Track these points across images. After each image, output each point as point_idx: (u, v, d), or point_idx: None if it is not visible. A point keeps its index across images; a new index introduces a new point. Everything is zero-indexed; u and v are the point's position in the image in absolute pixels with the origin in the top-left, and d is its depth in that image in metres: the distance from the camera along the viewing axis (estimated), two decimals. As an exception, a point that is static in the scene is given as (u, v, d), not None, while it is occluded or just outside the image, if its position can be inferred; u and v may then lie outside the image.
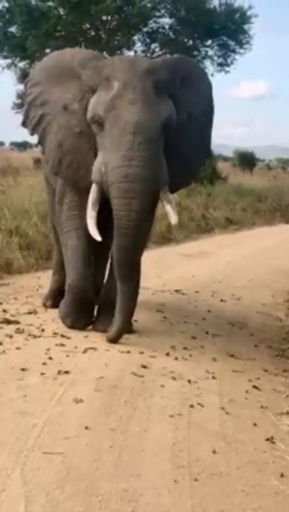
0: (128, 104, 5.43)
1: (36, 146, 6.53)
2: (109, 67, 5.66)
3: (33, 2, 22.27)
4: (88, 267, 6.20)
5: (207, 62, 24.67)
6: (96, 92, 5.65)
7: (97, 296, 6.32)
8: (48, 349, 5.42)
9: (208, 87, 6.40)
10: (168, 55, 24.52)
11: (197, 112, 6.14)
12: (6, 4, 22.62)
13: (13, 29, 23.20)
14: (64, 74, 5.94)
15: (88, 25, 23.32)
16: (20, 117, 6.34)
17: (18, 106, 23.80)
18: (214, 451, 3.99)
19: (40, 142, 6.21)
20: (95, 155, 5.72)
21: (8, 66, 23.86)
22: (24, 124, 6.33)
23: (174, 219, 5.73)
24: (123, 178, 5.38)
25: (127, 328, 5.96)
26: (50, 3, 22.36)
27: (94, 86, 5.68)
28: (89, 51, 6.35)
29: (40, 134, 6.12)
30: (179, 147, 5.91)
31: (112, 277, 6.01)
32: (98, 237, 5.60)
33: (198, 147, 6.27)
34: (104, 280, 6.51)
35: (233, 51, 24.48)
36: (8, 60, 23.90)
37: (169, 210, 5.71)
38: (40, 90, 6.11)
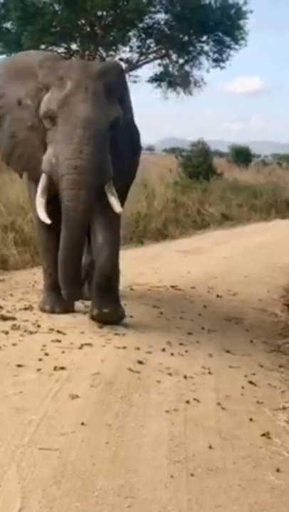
0: (80, 102, 5.84)
1: None
2: (64, 68, 6.08)
3: (28, -2, 22.20)
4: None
5: (202, 58, 24.62)
6: (49, 90, 6.01)
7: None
8: (44, 345, 5.42)
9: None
10: (163, 51, 24.53)
11: (129, 115, 6.62)
12: (1, 0, 22.57)
13: (8, 25, 23.13)
14: (23, 72, 6.34)
15: (83, 21, 23.22)
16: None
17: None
18: (210, 447, 4.00)
19: None
20: (44, 149, 6.07)
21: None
22: None
23: (117, 208, 6.10)
24: (72, 170, 5.74)
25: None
26: (46, -1, 22.32)
27: (48, 84, 6.05)
28: (49, 53, 6.82)
29: None
30: (117, 147, 6.20)
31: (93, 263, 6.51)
32: (48, 221, 5.99)
33: (129, 147, 6.64)
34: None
35: (229, 47, 24.39)
36: (3, 56, 23.85)
37: (112, 201, 6.08)
38: None
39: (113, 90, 6.10)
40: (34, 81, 6.19)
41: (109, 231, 6.36)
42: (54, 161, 5.89)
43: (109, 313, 6.25)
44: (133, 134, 6.80)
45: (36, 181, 6.19)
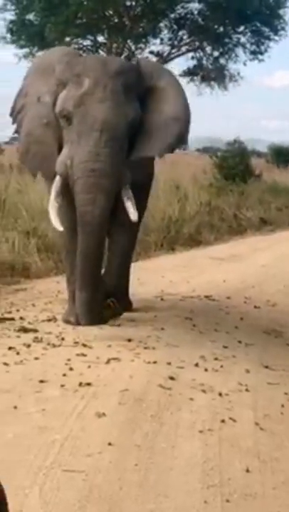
0: (97, 102, 6.00)
1: (13, 133, 7.02)
2: (81, 64, 6.26)
3: (52, -13, 22.35)
4: None
5: (239, 50, 24.66)
6: (66, 86, 6.17)
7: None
8: (69, 359, 5.44)
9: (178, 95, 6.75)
10: (197, 43, 24.55)
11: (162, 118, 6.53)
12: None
13: (31, 16, 23.34)
14: (46, 69, 6.54)
15: (111, 12, 23.36)
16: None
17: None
18: (248, 470, 3.97)
19: (17, 131, 6.79)
20: (60, 147, 6.23)
21: (26, 56, 23.98)
22: (12, 113, 6.88)
23: (133, 216, 6.19)
24: (89, 173, 5.92)
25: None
26: (71, -12, 22.44)
27: (65, 80, 6.22)
28: (71, 49, 7.01)
29: (18, 123, 6.72)
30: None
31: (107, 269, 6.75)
32: (60, 228, 6.20)
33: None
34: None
35: (268, 38, 24.39)
36: (26, 50, 24.03)
37: (128, 207, 6.18)
38: (26, 83, 6.76)
39: (132, 88, 6.23)
40: (54, 77, 6.36)
41: (123, 237, 6.65)
42: (69, 163, 6.05)
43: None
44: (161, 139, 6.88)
45: (52, 181, 6.33)
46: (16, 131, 6.83)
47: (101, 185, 5.93)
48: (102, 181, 5.93)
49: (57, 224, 6.19)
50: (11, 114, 6.87)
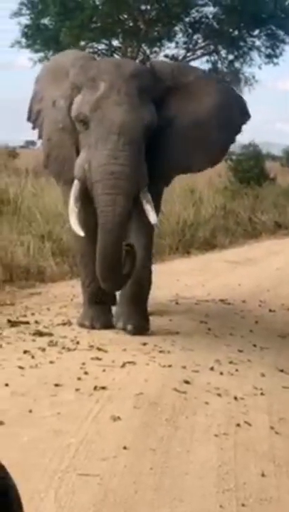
0: (114, 105, 6.03)
1: (38, 139, 7.06)
2: (95, 68, 6.30)
3: (67, -9, 22.42)
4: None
5: (254, 54, 24.62)
6: (81, 91, 6.20)
7: None
8: (84, 363, 5.44)
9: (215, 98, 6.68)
10: (212, 47, 24.54)
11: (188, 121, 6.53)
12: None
13: (46, 21, 23.41)
14: (59, 72, 6.59)
15: (126, 16, 23.39)
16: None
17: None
18: (263, 474, 3.96)
19: (40, 136, 6.86)
20: (77, 151, 6.27)
21: (41, 60, 24.03)
22: (29, 118, 6.96)
23: (152, 218, 6.26)
24: (108, 175, 5.94)
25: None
26: (85, -7, 22.51)
27: (79, 85, 6.25)
28: (84, 53, 7.07)
29: (39, 128, 6.80)
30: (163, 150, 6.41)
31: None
32: (81, 233, 6.19)
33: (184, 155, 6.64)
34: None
35: (283, 41, 24.35)
36: (41, 54, 24.10)
37: (148, 209, 6.23)
38: (39, 87, 6.82)
39: (147, 91, 6.23)
40: (68, 81, 6.40)
41: (142, 239, 6.56)
42: (87, 167, 6.07)
43: (132, 330, 6.41)
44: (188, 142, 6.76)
45: (70, 186, 6.35)
46: (39, 137, 6.89)
47: (121, 186, 5.95)
48: (121, 183, 5.95)
49: (77, 229, 6.21)
50: (29, 119, 6.92)
